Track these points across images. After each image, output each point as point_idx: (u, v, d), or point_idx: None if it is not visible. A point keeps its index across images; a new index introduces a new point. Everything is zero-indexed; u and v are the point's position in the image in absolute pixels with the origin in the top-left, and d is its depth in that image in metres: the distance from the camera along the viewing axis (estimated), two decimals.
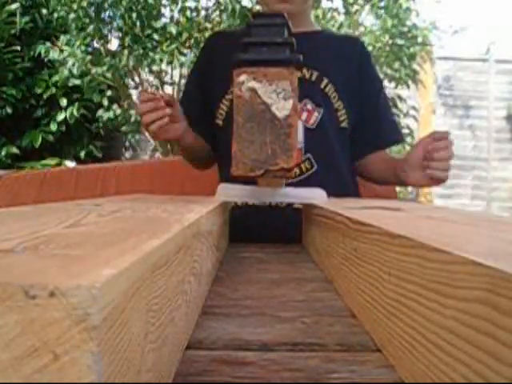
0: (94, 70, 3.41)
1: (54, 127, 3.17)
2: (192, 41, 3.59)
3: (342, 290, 0.56)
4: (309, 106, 1.08)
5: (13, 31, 3.02)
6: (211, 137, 1.18)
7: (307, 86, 1.07)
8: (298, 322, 0.45)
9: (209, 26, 3.74)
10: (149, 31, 3.57)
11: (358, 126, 1.15)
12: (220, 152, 1.19)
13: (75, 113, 3.41)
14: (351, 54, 1.16)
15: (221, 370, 0.34)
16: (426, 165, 0.97)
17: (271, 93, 0.71)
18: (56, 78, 3.46)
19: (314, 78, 1.10)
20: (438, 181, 0.98)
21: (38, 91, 3.14)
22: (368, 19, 3.92)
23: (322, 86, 1.10)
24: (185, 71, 3.77)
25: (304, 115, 1.08)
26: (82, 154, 3.33)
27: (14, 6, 2.94)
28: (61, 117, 3.22)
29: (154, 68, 3.49)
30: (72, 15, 3.39)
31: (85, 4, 3.32)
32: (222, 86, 1.13)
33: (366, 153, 1.18)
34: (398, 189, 1.97)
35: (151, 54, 3.44)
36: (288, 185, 0.95)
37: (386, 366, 0.35)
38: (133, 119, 3.59)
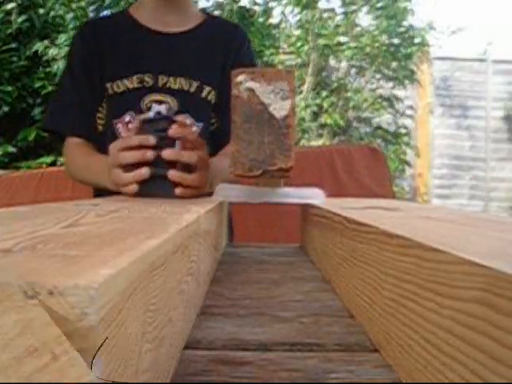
0: None
1: None
2: None
3: (340, 290, 0.56)
4: (187, 121, 1.00)
5: (9, 30, 3.01)
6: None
7: (187, 99, 1.03)
8: (296, 321, 0.45)
9: None
10: None
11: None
12: None
13: None
14: (230, 44, 1.11)
15: (219, 370, 0.34)
16: None
17: (269, 93, 0.72)
18: (53, 76, 3.45)
19: (193, 89, 1.06)
20: None
21: (35, 90, 3.13)
22: (365, 19, 3.92)
23: (204, 94, 1.06)
24: None
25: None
26: None
27: (10, 6, 2.93)
28: None
29: None
30: (70, 15, 3.39)
31: (83, 4, 3.31)
32: (101, 85, 1.07)
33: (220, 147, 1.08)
34: (395, 189, 1.97)
35: None
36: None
37: (384, 366, 0.35)
38: None
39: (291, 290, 0.58)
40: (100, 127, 1.09)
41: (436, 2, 5.46)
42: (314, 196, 0.89)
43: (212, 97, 1.07)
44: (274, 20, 3.99)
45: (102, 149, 1.01)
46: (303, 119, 3.45)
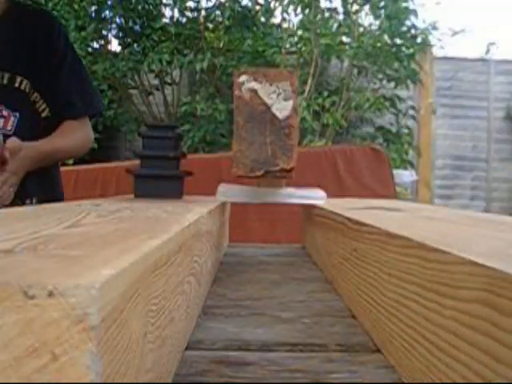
0: (93, 70, 3.41)
1: None
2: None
3: (341, 290, 0.56)
4: (4, 113, 1.05)
5: None
6: None
7: (0, 91, 1.05)
8: (298, 322, 0.45)
9: (210, 25, 3.75)
10: (149, 31, 3.57)
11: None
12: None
13: None
14: (39, 32, 1.10)
15: (220, 370, 0.34)
16: None
17: (271, 93, 0.72)
18: None
19: (5, 80, 1.06)
20: None
21: None
22: (367, 19, 3.92)
23: (17, 84, 1.07)
24: (185, 71, 3.78)
25: (0, 122, 1.05)
26: None
27: None
28: None
29: (154, 68, 3.49)
30: (71, 15, 3.39)
31: (85, 4, 3.32)
32: None
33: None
34: (396, 189, 1.97)
35: (151, 53, 3.44)
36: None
37: (386, 367, 0.35)
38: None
39: (293, 290, 0.58)
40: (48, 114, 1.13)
41: (438, 3, 5.44)
42: (316, 196, 0.89)
43: (26, 86, 1.08)
44: (275, 20, 3.99)
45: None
46: (305, 119, 3.44)
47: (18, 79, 1.07)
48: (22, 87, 1.07)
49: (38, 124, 1.09)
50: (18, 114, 1.07)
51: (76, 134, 1.12)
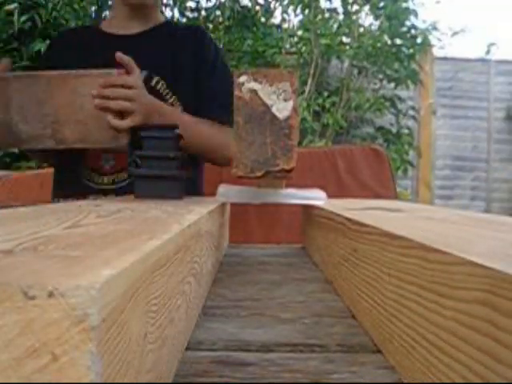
0: None
1: None
2: None
3: (341, 290, 0.56)
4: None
5: (11, 31, 3.01)
6: None
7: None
8: (298, 322, 0.45)
9: (210, 26, 3.74)
10: None
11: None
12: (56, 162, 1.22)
13: None
14: (188, 44, 1.16)
15: (221, 370, 0.34)
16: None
17: (271, 94, 0.72)
18: None
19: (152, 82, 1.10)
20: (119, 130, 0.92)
21: None
22: (367, 19, 3.92)
23: (153, 83, 1.10)
24: None
25: None
26: None
27: (12, 6, 2.93)
28: None
29: None
30: (72, 15, 3.39)
31: (85, 4, 3.32)
32: None
33: None
34: (397, 189, 1.97)
35: None
36: (120, 189, 0.96)
37: (386, 367, 0.35)
38: None
39: (293, 290, 0.58)
40: None
41: (438, 2, 5.44)
42: (316, 197, 0.89)
43: (161, 86, 1.11)
44: (275, 20, 3.99)
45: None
46: (305, 119, 3.44)
47: (155, 79, 1.11)
48: (158, 87, 1.11)
49: None
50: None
51: (216, 133, 1.12)
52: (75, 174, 1.12)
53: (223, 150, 1.11)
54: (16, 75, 0.98)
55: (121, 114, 0.91)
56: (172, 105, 1.11)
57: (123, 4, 1.15)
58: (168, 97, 1.11)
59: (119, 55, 0.92)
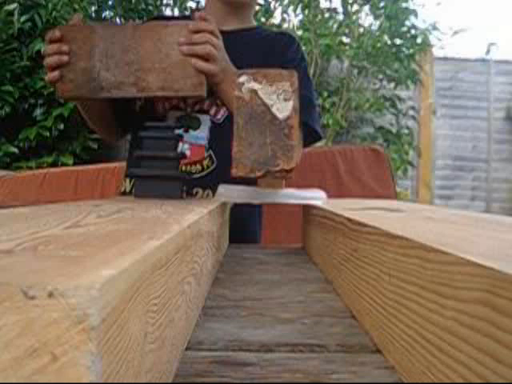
0: None
1: (50, 123, 3.13)
2: None
3: (341, 290, 0.56)
4: (218, 101, 1.10)
5: (11, 31, 3.00)
6: (121, 112, 1.19)
7: None
8: (298, 322, 0.45)
9: None
10: None
11: None
12: (132, 134, 1.23)
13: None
14: (276, 49, 1.18)
15: (221, 370, 0.34)
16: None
17: (271, 94, 0.72)
18: None
19: None
20: (204, 72, 0.95)
21: (37, 90, 3.11)
22: (367, 19, 3.92)
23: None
24: None
25: (213, 110, 1.11)
26: (78, 149, 3.28)
27: (12, 6, 2.93)
28: (56, 112, 3.18)
29: None
30: (72, 15, 3.39)
31: (85, 4, 3.32)
32: None
33: None
34: (397, 189, 1.97)
35: None
36: (186, 183, 0.96)
37: (386, 367, 0.35)
38: None
39: (293, 290, 0.58)
40: (137, 108, 1.19)
41: (439, 3, 5.44)
42: (316, 197, 0.89)
43: None
44: (275, 20, 3.99)
45: (136, 129, 1.12)
46: None
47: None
48: None
49: None
50: (225, 108, 1.13)
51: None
52: None
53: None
54: (101, 24, 1.00)
55: (205, 60, 0.95)
56: None
57: (221, 1, 1.18)
58: None
59: (198, 14, 0.98)
